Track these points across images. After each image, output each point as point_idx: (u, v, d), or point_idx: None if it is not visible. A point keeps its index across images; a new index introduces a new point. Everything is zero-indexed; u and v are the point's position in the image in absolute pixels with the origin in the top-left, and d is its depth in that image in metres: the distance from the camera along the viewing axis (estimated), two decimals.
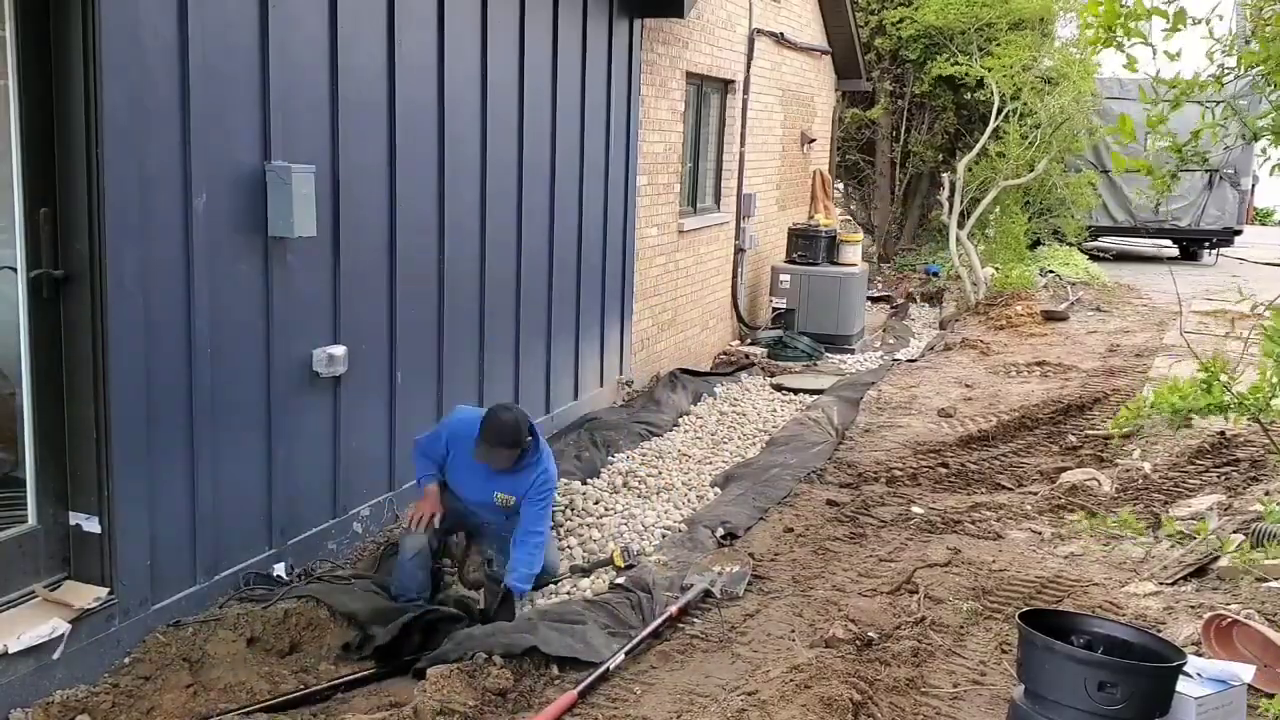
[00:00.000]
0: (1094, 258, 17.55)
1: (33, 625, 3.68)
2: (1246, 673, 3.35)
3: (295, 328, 4.79)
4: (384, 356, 5.45)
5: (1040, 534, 5.63)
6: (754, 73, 11.26)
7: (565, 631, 4.39)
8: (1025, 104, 14.17)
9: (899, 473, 6.86)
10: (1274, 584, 4.43)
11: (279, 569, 4.76)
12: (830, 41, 14.33)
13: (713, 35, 10.01)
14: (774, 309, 12.00)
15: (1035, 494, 6.34)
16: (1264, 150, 3.88)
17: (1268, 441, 5.01)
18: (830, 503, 6.23)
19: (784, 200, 13.40)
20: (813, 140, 14.17)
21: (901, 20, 16.58)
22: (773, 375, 10.17)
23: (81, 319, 3.85)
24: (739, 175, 11.24)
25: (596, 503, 6.34)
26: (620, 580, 5.04)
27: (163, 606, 4.19)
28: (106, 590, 3.94)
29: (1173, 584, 4.72)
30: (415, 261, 5.62)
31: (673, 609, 4.64)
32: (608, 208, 7.98)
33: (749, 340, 11.75)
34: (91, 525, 3.94)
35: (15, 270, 3.78)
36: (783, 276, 11.94)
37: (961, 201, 14.23)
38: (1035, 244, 16.90)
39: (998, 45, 14.76)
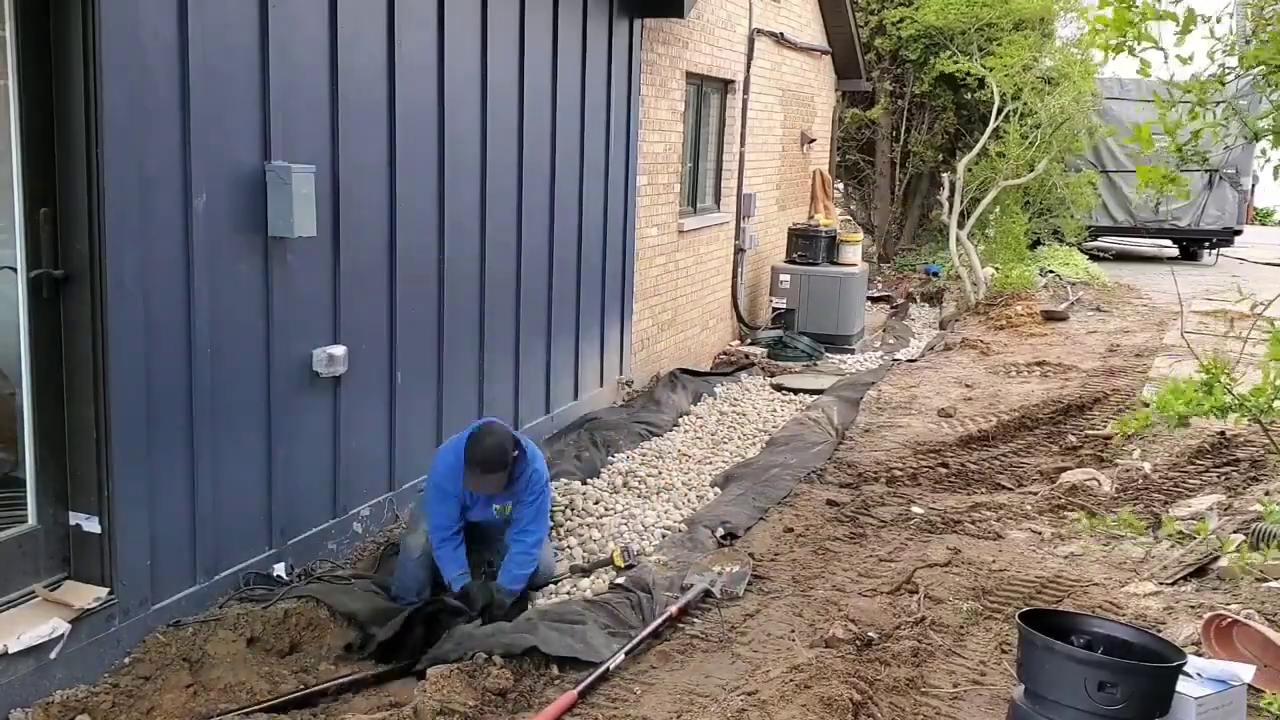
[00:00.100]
0: (1094, 258, 17.56)
1: (33, 625, 3.68)
2: (1246, 673, 3.34)
3: (295, 328, 4.79)
4: (384, 356, 5.45)
5: (1040, 534, 5.63)
6: (754, 73, 11.26)
7: (565, 631, 4.39)
8: (1025, 104, 14.17)
9: (899, 473, 6.86)
10: (1274, 584, 4.43)
11: (279, 569, 4.76)
12: (830, 41, 14.34)
13: (713, 35, 10.01)
14: (774, 309, 12.00)
15: (1035, 494, 6.34)
16: (1264, 151, 3.88)
17: (1268, 441, 5.01)
18: (830, 503, 6.23)
19: (784, 200, 13.41)
20: (813, 140, 14.17)
21: (901, 20, 16.58)
22: (773, 375, 10.17)
23: (81, 319, 3.84)
24: (739, 175, 11.24)
25: (596, 503, 6.34)
26: (620, 580, 5.04)
27: (163, 606, 4.19)
28: (106, 590, 3.94)
29: (1173, 584, 4.72)
30: (415, 261, 5.62)
31: (673, 609, 4.64)
32: (608, 208, 7.98)
33: (749, 340, 11.75)
34: (91, 525, 3.94)
35: (15, 270, 3.78)
36: (783, 276, 11.94)
37: (961, 201, 14.23)
38: (1035, 244, 16.90)
39: (998, 45, 14.75)
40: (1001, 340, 11.43)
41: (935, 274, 16.27)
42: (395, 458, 5.58)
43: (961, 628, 4.46)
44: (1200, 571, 4.79)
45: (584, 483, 6.65)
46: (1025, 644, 3.23)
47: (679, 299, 9.93)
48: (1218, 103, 3.70)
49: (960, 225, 14.22)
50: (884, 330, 13.47)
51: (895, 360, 11.16)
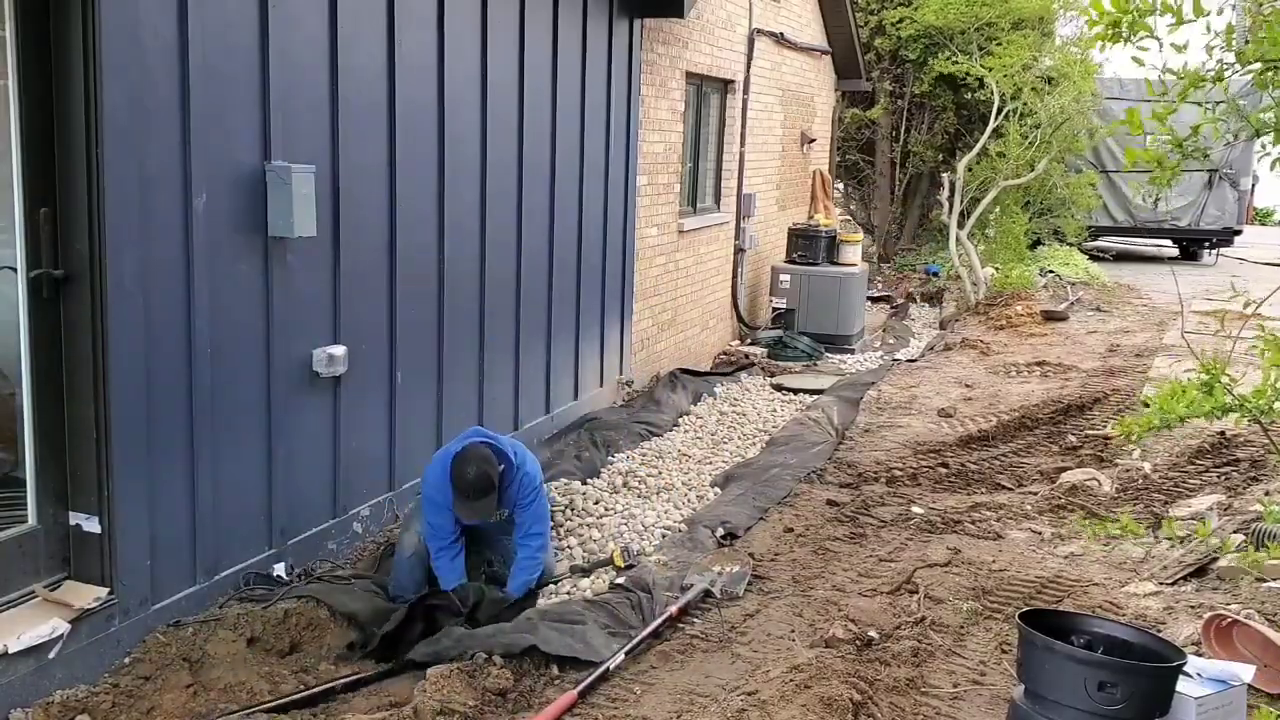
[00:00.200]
0: (1094, 258, 17.56)
1: (33, 625, 3.68)
2: (1246, 673, 3.34)
3: (295, 328, 4.79)
4: (384, 356, 5.45)
5: (1040, 534, 5.63)
6: (754, 73, 11.26)
7: (565, 631, 4.39)
8: (1025, 104, 14.17)
9: (899, 473, 6.86)
10: (1274, 584, 4.43)
11: (279, 569, 4.76)
12: (830, 41, 14.34)
13: (713, 35, 10.01)
14: (774, 309, 12.00)
15: (1035, 494, 6.34)
16: (1264, 146, 3.87)
17: (1268, 441, 5.00)
18: (830, 503, 6.23)
19: (784, 200, 13.41)
20: (813, 140, 14.17)
21: (901, 20, 16.58)
22: (773, 375, 10.17)
23: (81, 319, 3.85)
24: (739, 175, 11.24)
25: (596, 503, 6.34)
26: (620, 580, 5.04)
27: (163, 606, 4.19)
28: (106, 590, 3.94)
29: (1173, 584, 4.72)
30: (415, 261, 5.62)
31: (673, 609, 4.64)
32: (608, 208, 7.98)
33: (749, 340, 11.75)
34: (91, 525, 3.94)
35: (15, 270, 3.78)
36: (783, 276, 11.94)
37: (961, 201, 14.23)
38: (1035, 244, 16.90)
39: (998, 45, 14.75)
40: (1001, 340, 11.43)
41: (935, 274, 16.27)
42: (395, 458, 5.58)
43: (961, 628, 4.45)
44: (1200, 571, 4.79)
45: (584, 483, 6.65)
46: (1025, 644, 3.23)
47: (679, 299, 9.93)
48: (1219, 101, 3.70)
49: (960, 225, 14.22)
50: (884, 330, 13.47)
51: (895, 360, 11.16)
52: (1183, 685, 3.16)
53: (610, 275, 8.18)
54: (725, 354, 11.12)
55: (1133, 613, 4.38)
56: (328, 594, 4.66)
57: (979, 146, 14.40)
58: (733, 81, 10.92)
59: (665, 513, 6.21)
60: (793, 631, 4.51)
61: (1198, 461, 6.45)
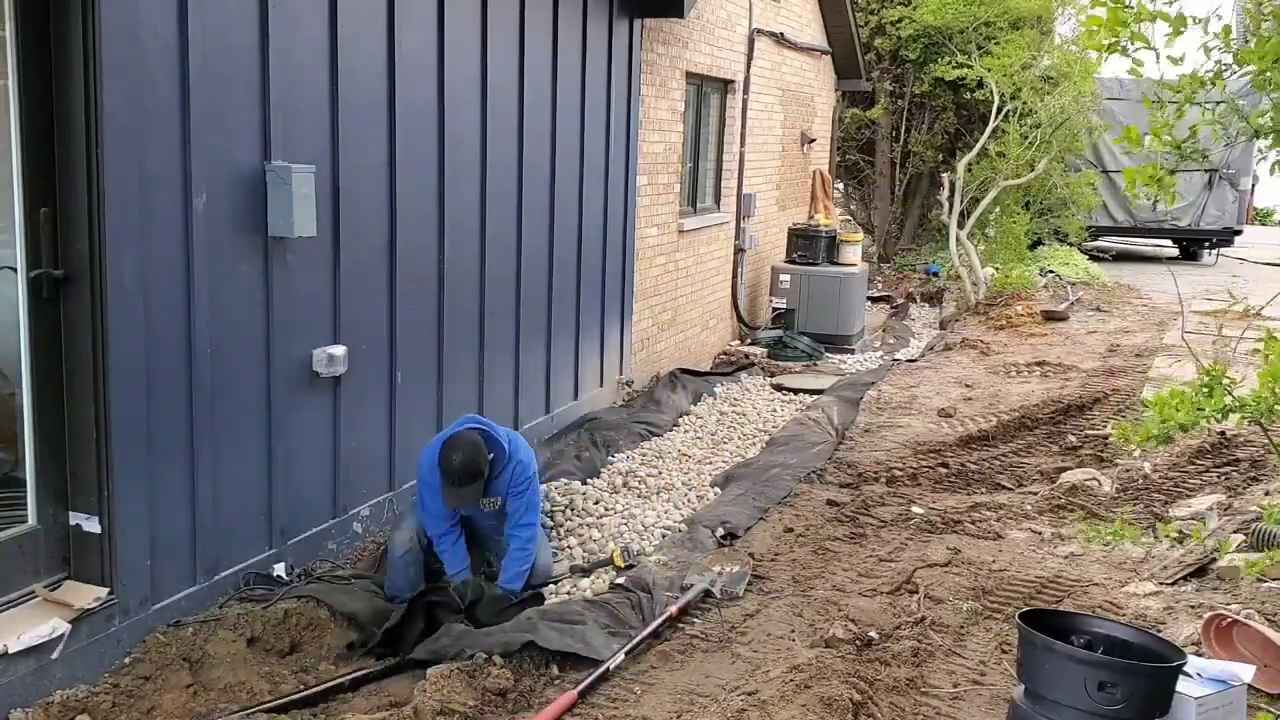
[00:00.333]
0: (1094, 258, 17.55)
1: (33, 625, 3.68)
2: (1246, 673, 3.34)
3: (295, 328, 4.79)
4: (384, 356, 5.45)
5: (1040, 534, 5.63)
6: (754, 73, 11.26)
7: (565, 631, 4.39)
8: (1025, 104, 14.17)
9: (899, 473, 6.86)
10: (1274, 584, 4.43)
11: (279, 569, 4.76)
12: (830, 41, 14.33)
13: (713, 35, 10.01)
14: (774, 309, 12.00)
15: (1035, 494, 6.34)
16: (1261, 150, 3.87)
17: (1267, 442, 5.01)
18: (830, 503, 6.23)
19: (784, 200, 13.41)
20: (813, 140, 14.17)
21: (900, 20, 16.57)
22: (773, 375, 10.17)
23: (81, 319, 3.85)
24: (739, 175, 11.24)
25: (596, 503, 6.34)
26: (620, 580, 5.04)
27: (163, 606, 4.19)
28: (106, 590, 3.94)
29: (1173, 584, 4.72)
30: (415, 261, 5.62)
31: (673, 609, 4.64)
32: (608, 208, 7.98)
33: (749, 340, 11.75)
34: (91, 525, 3.94)
35: (15, 270, 3.78)
36: (783, 276, 11.94)
37: (961, 201, 14.23)
38: (1035, 244, 16.90)
39: (997, 44, 14.75)
40: (1001, 340, 11.43)
41: (935, 274, 16.27)
42: (395, 458, 5.58)
43: (961, 628, 4.46)
44: (1200, 571, 4.79)
45: (584, 483, 6.65)
46: (1025, 644, 3.23)
47: (679, 299, 9.93)
48: (1218, 102, 3.70)
49: (960, 225, 14.22)
50: (884, 330, 13.47)
51: (895, 360, 11.16)
52: (1183, 685, 3.16)
53: (610, 275, 8.18)
54: (725, 354, 11.12)
55: (1133, 613, 4.38)
56: (328, 594, 4.67)
57: (979, 146, 14.40)
58: (733, 81, 10.92)
59: (665, 513, 6.21)
60: (793, 631, 4.51)
61: (1198, 461, 6.45)
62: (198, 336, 4.24)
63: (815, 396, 9.19)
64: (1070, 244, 16.74)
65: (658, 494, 6.61)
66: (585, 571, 5.40)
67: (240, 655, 4.19)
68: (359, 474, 5.32)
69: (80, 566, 3.98)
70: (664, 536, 5.83)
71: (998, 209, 15.49)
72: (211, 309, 4.30)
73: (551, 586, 5.25)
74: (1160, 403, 3.86)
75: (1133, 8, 3.38)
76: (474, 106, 6.08)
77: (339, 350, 5.00)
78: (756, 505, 6.15)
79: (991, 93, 14.20)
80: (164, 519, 4.16)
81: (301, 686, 4.09)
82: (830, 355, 11.43)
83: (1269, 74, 3.40)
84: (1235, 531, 5.08)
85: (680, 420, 8.39)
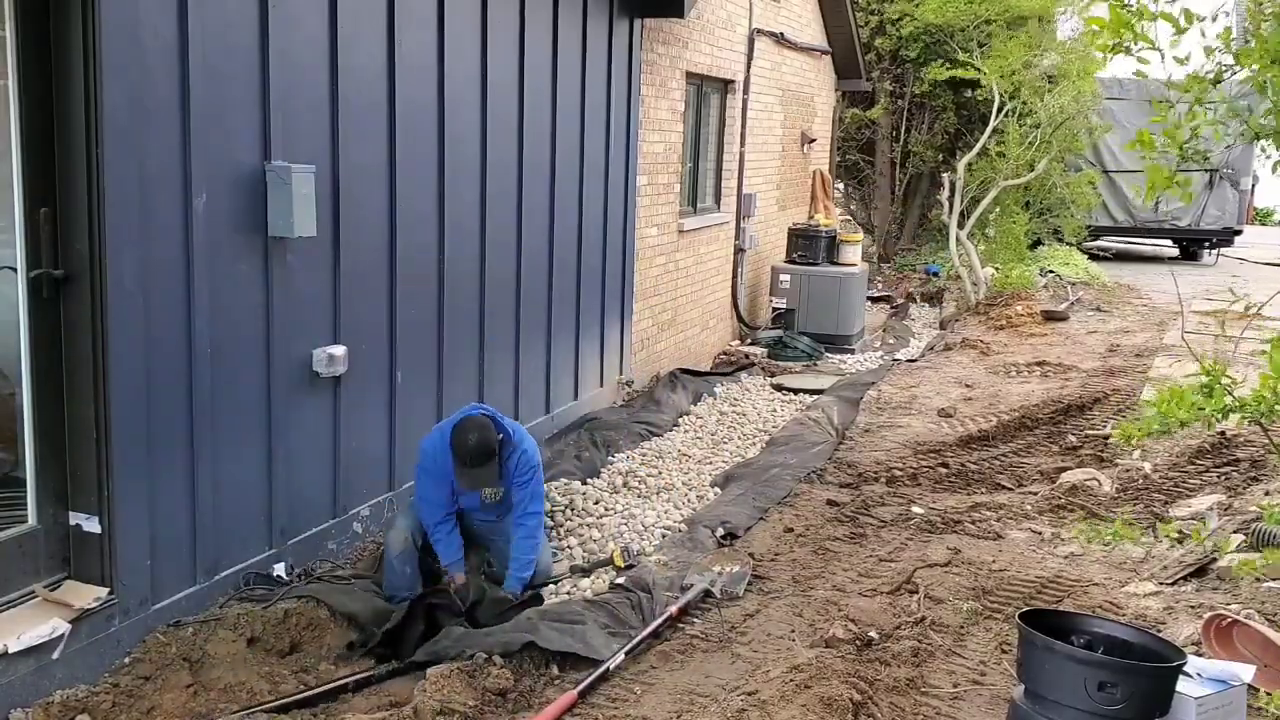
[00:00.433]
0: (1094, 258, 17.55)
1: (33, 625, 3.68)
2: (1246, 673, 3.35)
3: (295, 328, 4.79)
4: (384, 356, 5.45)
5: (1040, 534, 5.63)
6: (754, 73, 11.26)
7: (565, 631, 4.39)
8: (1025, 103, 14.17)
9: (899, 473, 6.86)
10: (1274, 584, 4.43)
11: (279, 569, 4.76)
12: (830, 41, 14.33)
13: (713, 35, 10.01)
14: (774, 309, 12.00)
15: (1035, 494, 6.34)
16: (1263, 149, 3.87)
17: (1268, 441, 5.01)
18: (830, 503, 6.23)
19: (784, 200, 13.41)
20: (813, 140, 14.17)
21: (901, 18, 16.56)
22: (773, 375, 10.17)
23: (81, 319, 3.85)
24: (739, 175, 11.24)
25: (596, 503, 6.34)
26: (620, 580, 5.04)
27: (163, 606, 4.19)
28: (106, 590, 3.94)
29: (1173, 584, 4.72)
30: (415, 261, 5.62)
31: (673, 609, 4.64)
32: (608, 208, 7.98)
33: (749, 340, 11.75)
34: (91, 525, 3.94)
35: (15, 270, 3.78)
36: (783, 276, 11.94)
37: (961, 201, 14.23)
38: (1035, 244, 16.90)
39: (999, 42, 14.74)
40: (1001, 340, 11.43)
41: (935, 274, 16.27)
42: (395, 458, 5.58)
43: (961, 628, 4.46)
44: (1200, 571, 4.79)
45: (584, 483, 6.65)
46: (1025, 644, 3.23)
47: (679, 299, 9.93)
48: (1220, 103, 3.70)
49: (960, 225, 14.21)
50: (884, 330, 13.47)
51: (895, 360, 11.16)
52: (1183, 685, 3.16)
53: (610, 275, 8.18)
54: (725, 354, 11.12)
55: (1133, 613, 4.38)
56: (328, 594, 4.67)
57: (979, 146, 14.39)
58: (733, 81, 10.92)
59: (665, 513, 6.22)
60: (793, 631, 4.51)
61: (1198, 461, 6.45)
62: (198, 336, 4.24)
63: (815, 396, 9.19)
64: (1070, 244, 16.73)
65: (658, 494, 6.61)
66: (585, 571, 5.40)
67: (240, 655, 4.19)
68: (359, 474, 5.32)
69: (80, 566, 3.98)
70: (664, 536, 5.83)
71: (998, 209, 15.48)
72: (211, 309, 4.30)
73: (551, 586, 5.25)
74: (1161, 400, 3.87)
75: (1135, 8, 3.38)
76: (474, 106, 6.08)
77: (339, 350, 5.00)
78: (756, 505, 6.15)
79: (991, 92, 14.19)
80: (164, 519, 4.16)
81: (301, 687, 4.10)
82: (830, 355, 11.43)
83: (1269, 75, 3.40)
84: (1235, 531, 5.07)
85: (680, 420, 8.39)
